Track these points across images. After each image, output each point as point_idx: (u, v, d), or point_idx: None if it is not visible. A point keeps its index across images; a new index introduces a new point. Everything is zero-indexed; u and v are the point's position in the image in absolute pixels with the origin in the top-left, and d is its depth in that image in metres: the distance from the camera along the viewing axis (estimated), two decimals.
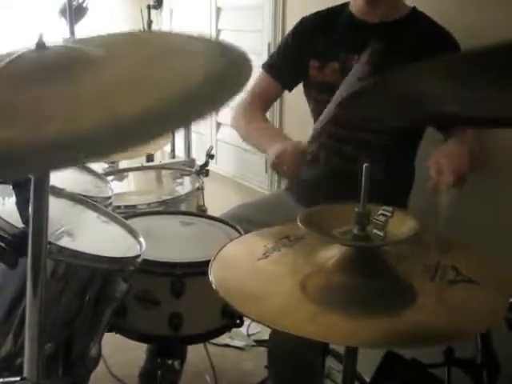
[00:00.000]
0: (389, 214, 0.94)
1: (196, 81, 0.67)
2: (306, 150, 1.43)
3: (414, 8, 1.59)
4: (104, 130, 0.54)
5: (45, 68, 0.71)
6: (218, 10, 2.63)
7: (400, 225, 0.95)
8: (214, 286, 0.89)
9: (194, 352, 1.81)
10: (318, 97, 1.66)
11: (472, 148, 1.41)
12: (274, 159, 1.43)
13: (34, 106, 0.59)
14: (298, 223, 0.95)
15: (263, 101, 1.75)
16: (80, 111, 0.59)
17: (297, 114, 1.81)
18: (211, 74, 0.67)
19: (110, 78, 0.70)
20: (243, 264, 1.00)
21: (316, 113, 1.69)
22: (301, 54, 1.66)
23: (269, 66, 1.74)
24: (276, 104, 2.24)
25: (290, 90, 1.75)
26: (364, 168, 0.91)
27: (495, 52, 0.47)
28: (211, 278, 0.91)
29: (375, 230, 0.93)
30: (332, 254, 0.95)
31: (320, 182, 1.62)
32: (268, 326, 0.83)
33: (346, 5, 1.65)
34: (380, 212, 0.95)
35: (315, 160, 1.64)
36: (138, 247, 1.22)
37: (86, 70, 0.71)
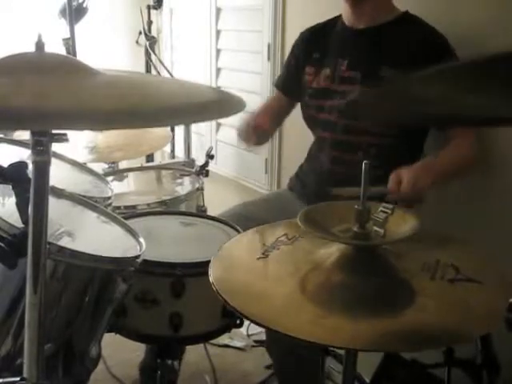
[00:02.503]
0: (389, 211, 0.94)
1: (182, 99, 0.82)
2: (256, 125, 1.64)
3: (406, 12, 1.58)
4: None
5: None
6: (218, 10, 2.63)
7: (400, 223, 0.95)
8: (214, 287, 0.89)
9: (194, 352, 1.81)
10: (309, 101, 1.70)
11: (448, 163, 1.45)
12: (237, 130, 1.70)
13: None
14: (298, 221, 0.95)
15: (274, 114, 1.83)
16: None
17: (297, 120, 1.82)
18: (203, 99, 0.84)
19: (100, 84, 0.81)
20: (243, 263, 1.00)
21: (307, 118, 1.75)
22: (299, 64, 1.73)
23: (277, 82, 1.88)
24: None
25: (299, 99, 1.79)
26: (363, 165, 0.91)
27: (498, 61, 0.47)
28: (211, 278, 0.91)
29: (375, 227, 0.93)
30: (331, 252, 0.95)
31: (321, 183, 1.62)
32: (269, 329, 0.83)
33: (340, 15, 1.68)
34: (380, 209, 0.95)
35: (317, 165, 1.67)
36: (138, 247, 1.22)
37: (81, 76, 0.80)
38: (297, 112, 1.81)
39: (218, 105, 0.85)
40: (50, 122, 0.71)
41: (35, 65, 0.79)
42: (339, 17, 1.68)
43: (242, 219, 1.57)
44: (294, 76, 1.76)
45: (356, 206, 0.93)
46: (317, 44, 1.69)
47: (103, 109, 0.72)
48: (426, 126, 1.52)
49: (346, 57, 1.60)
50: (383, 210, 0.95)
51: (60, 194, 1.31)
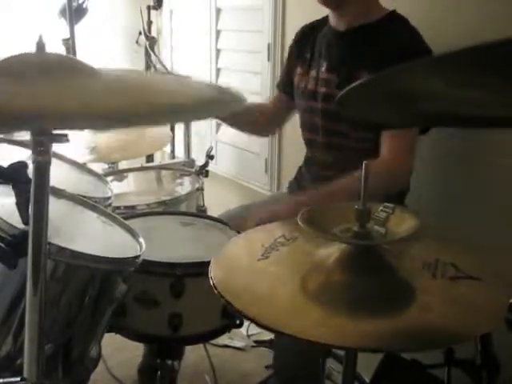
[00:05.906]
0: (390, 211, 0.94)
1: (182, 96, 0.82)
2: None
3: (393, 11, 1.53)
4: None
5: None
6: (218, 10, 2.63)
7: (400, 223, 0.95)
8: (216, 290, 0.89)
9: (194, 352, 1.81)
10: (298, 102, 1.70)
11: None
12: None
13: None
14: (298, 221, 0.95)
15: (277, 115, 1.85)
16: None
17: (296, 120, 1.83)
18: (200, 95, 0.84)
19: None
20: (244, 265, 0.99)
21: (299, 119, 1.75)
22: (292, 62, 1.73)
23: (278, 82, 1.87)
24: None
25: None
26: (364, 165, 0.92)
27: (492, 50, 0.47)
28: (212, 280, 0.91)
29: (376, 227, 0.93)
30: (332, 252, 0.95)
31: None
32: (276, 332, 0.82)
33: None
34: (381, 208, 0.95)
35: (313, 168, 1.67)
36: (138, 248, 1.22)
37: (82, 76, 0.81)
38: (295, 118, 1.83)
39: (218, 102, 0.85)
40: (50, 122, 0.71)
41: (36, 66, 0.79)
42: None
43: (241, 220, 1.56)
44: (289, 75, 1.75)
45: (356, 206, 0.93)
46: (308, 43, 1.68)
47: (103, 109, 0.72)
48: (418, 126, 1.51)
49: (326, 59, 1.59)
50: (384, 209, 0.95)
51: (60, 194, 1.31)
